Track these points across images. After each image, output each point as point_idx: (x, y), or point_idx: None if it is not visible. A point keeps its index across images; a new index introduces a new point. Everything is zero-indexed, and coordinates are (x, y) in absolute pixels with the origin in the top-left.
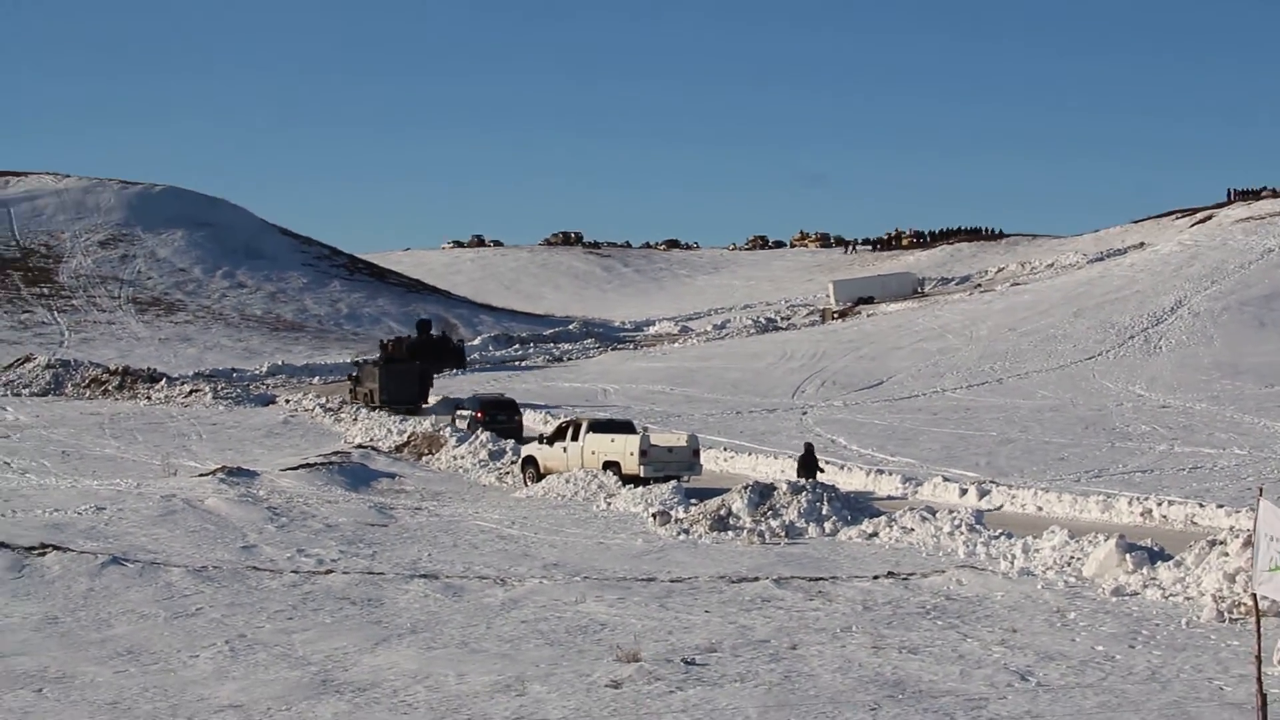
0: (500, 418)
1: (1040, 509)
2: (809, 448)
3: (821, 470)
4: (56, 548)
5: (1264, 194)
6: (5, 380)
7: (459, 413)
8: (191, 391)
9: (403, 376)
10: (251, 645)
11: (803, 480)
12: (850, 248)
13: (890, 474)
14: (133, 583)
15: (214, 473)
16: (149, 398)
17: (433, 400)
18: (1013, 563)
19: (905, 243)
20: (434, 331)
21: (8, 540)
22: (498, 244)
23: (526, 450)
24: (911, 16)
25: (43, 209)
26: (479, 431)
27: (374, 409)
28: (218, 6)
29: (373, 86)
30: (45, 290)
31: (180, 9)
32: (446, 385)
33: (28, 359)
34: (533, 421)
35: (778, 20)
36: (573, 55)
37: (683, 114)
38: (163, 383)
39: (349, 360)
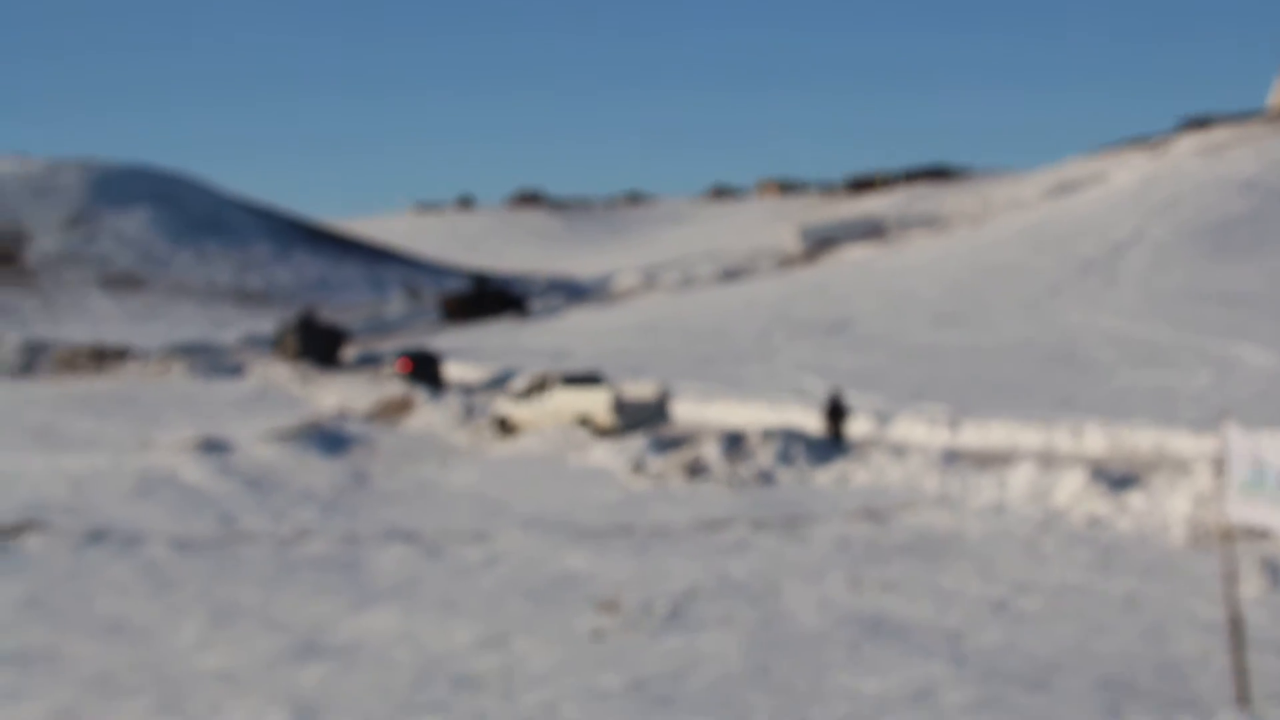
0: (425, 367)
1: (1010, 443)
2: (835, 393)
3: (846, 417)
4: (36, 526)
5: (1215, 122)
6: None
7: (380, 364)
8: (163, 366)
9: (314, 335)
10: (234, 614)
11: (828, 428)
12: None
13: (860, 414)
14: (113, 558)
15: (189, 445)
16: (121, 374)
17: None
18: (985, 497)
19: (865, 186)
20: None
21: None
22: (466, 203)
23: (499, 408)
24: None
25: (4, 191)
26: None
27: (291, 363)
28: None
29: (328, 51)
30: (12, 273)
31: None
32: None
33: None
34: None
35: None
36: (532, 12)
37: (639, 65)
38: (134, 358)
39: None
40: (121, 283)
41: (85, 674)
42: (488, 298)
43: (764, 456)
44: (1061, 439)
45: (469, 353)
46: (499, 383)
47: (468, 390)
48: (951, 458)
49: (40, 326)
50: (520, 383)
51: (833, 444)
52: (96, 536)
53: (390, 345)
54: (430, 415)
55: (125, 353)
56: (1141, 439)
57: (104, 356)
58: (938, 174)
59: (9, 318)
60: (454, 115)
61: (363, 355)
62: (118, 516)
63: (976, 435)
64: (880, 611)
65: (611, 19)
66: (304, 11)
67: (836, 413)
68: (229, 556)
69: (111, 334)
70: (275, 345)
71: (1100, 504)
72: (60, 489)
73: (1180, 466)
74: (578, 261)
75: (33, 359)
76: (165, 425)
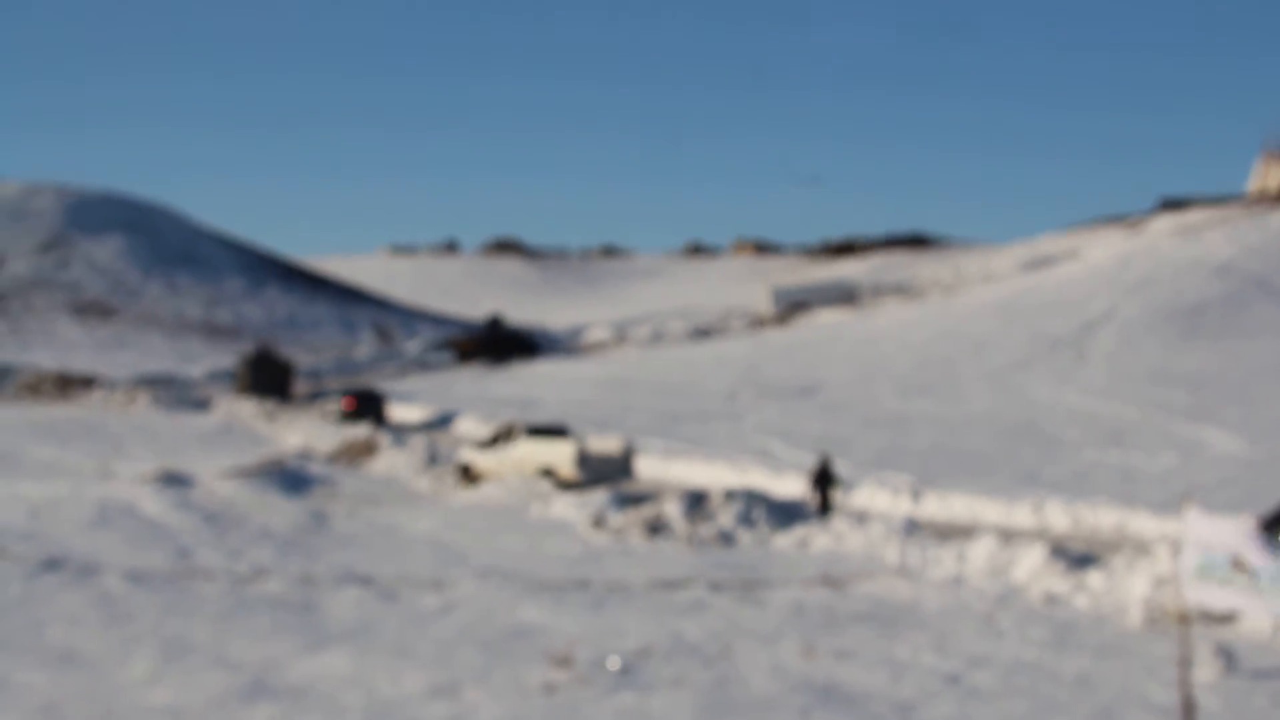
0: (368, 406)
1: (972, 515)
2: (824, 461)
3: (835, 485)
4: None
5: (1193, 204)
6: None
7: (327, 401)
8: (128, 396)
9: (263, 369)
10: (186, 650)
11: (813, 495)
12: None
13: (809, 479)
14: (67, 587)
15: (150, 477)
16: (86, 403)
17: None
18: (944, 569)
19: (833, 250)
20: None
21: None
22: (435, 250)
23: (463, 456)
24: (861, 13)
25: None
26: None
27: (244, 397)
28: (147, 7)
29: (310, 89)
30: None
31: (111, 11)
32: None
33: None
34: (479, 429)
35: (715, 19)
36: (531, 55)
37: (621, 115)
38: (99, 388)
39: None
40: (91, 311)
41: (32, 704)
42: (500, 340)
43: (725, 517)
44: (1023, 514)
45: (429, 396)
46: (439, 424)
47: (406, 429)
48: (912, 528)
49: (7, 351)
50: (484, 432)
51: (820, 512)
52: (52, 565)
53: (340, 384)
54: (393, 459)
55: (91, 381)
56: (1103, 518)
57: (70, 384)
58: (913, 242)
59: None
60: (433, 158)
61: (317, 392)
62: (75, 545)
63: (939, 506)
64: (833, 680)
65: (595, 69)
66: (289, 44)
67: (825, 479)
68: (184, 591)
69: (79, 362)
70: (234, 380)
71: (1059, 582)
72: (18, 515)
73: (1140, 548)
74: (550, 311)
75: None
76: (127, 456)
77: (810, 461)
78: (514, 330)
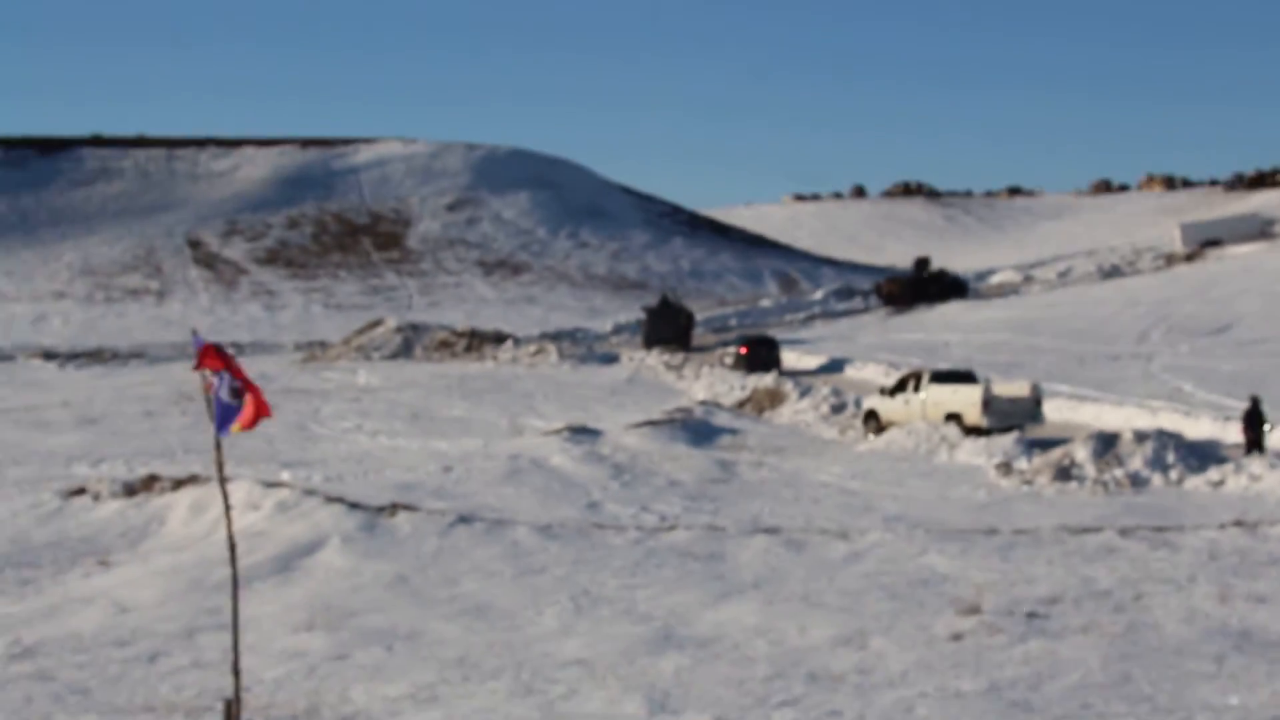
0: (762, 351)
1: None
2: (1255, 401)
3: (1270, 427)
4: (406, 507)
5: None
6: (357, 344)
7: (726, 349)
8: (537, 351)
9: (664, 319)
10: (595, 601)
11: (1245, 439)
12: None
13: (1238, 420)
14: (479, 541)
15: (559, 431)
16: (495, 359)
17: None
18: None
19: (1249, 182)
20: (924, 270)
21: (360, 501)
22: (838, 196)
23: (868, 403)
24: None
25: (391, 175)
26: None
27: (647, 347)
28: None
29: (712, 27)
30: (394, 255)
31: None
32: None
33: (378, 323)
34: (872, 374)
35: None
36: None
37: (1027, 64)
38: (509, 343)
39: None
40: (500, 267)
41: (447, 655)
42: (928, 282)
43: (1136, 460)
44: None
45: (832, 344)
46: (832, 368)
47: (800, 375)
48: None
49: (419, 309)
50: (885, 377)
51: (1252, 453)
52: (464, 519)
53: (739, 333)
54: (799, 408)
55: (501, 337)
56: None
57: (480, 340)
58: None
59: (390, 300)
60: (838, 105)
61: (721, 343)
62: (486, 500)
63: None
64: (1249, 625)
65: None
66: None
67: (1257, 420)
68: (593, 543)
69: (488, 318)
70: (639, 331)
71: None
72: (432, 471)
73: None
74: (956, 255)
75: (410, 342)
76: (537, 411)
77: (1230, 402)
78: (941, 272)
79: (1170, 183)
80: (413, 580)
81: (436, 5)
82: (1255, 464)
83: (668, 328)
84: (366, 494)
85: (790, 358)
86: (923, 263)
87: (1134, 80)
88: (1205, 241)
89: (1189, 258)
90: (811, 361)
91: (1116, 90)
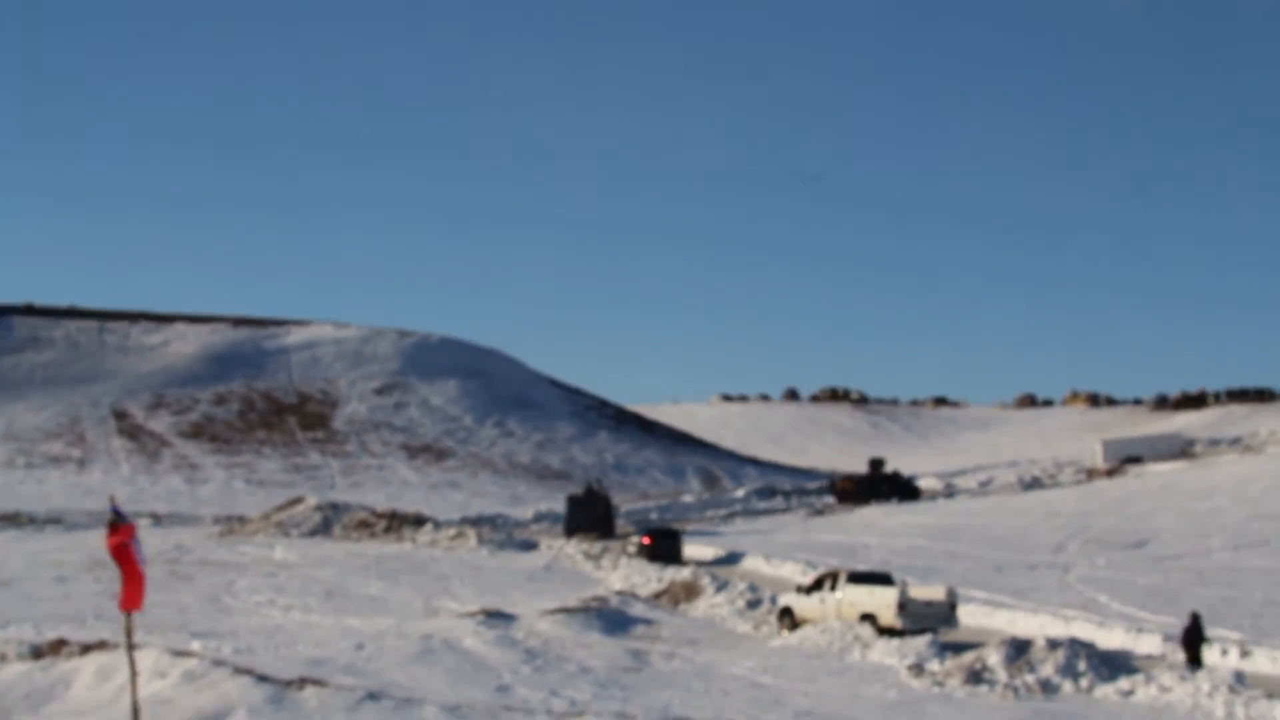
0: (664, 543)
1: None
2: (1195, 618)
3: (1207, 642)
4: (315, 682)
5: None
6: (276, 520)
7: (630, 539)
8: (456, 535)
9: (588, 508)
10: None
11: (1187, 655)
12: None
13: (1151, 633)
14: (388, 719)
15: (474, 614)
16: (414, 541)
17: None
18: None
19: (1175, 403)
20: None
21: (269, 674)
22: (765, 398)
23: (784, 600)
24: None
25: (321, 357)
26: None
27: (569, 534)
28: (479, 130)
29: (646, 224)
30: (319, 435)
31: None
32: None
33: (298, 500)
34: (789, 572)
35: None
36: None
37: (958, 276)
38: (428, 526)
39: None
40: (424, 452)
41: None
42: (881, 481)
43: (1048, 667)
44: None
45: (757, 545)
46: (730, 560)
47: (699, 564)
48: (1241, 682)
49: (341, 490)
50: (808, 577)
51: (1191, 668)
52: (373, 696)
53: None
54: (715, 601)
55: (420, 520)
56: None
57: (400, 522)
58: (1251, 395)
59: (313, 479)
60: (768, 308)
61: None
62: (397, 678)
63: (1270, 663)
64: None
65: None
66: (629, 176)
67: (1196, 637)
68: None
69: (409, 501)
70: (564, 519)
71: None
72: (344, 648)
73: None
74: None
75: (330, 520)
76: (453, 594)
77: (1144, 615)
78: (895, 473)
79: (1094, 400)
80: None
81: (373, 188)
82: (1165, 676)
83: (590, 516)
84: (276, 667)
85: (693, 550)
86: (877, 463)
87: (1062, 297)
88: (1126, 458)
89: (1110, 473)
90: (710, 552)
91: (1045, 305)
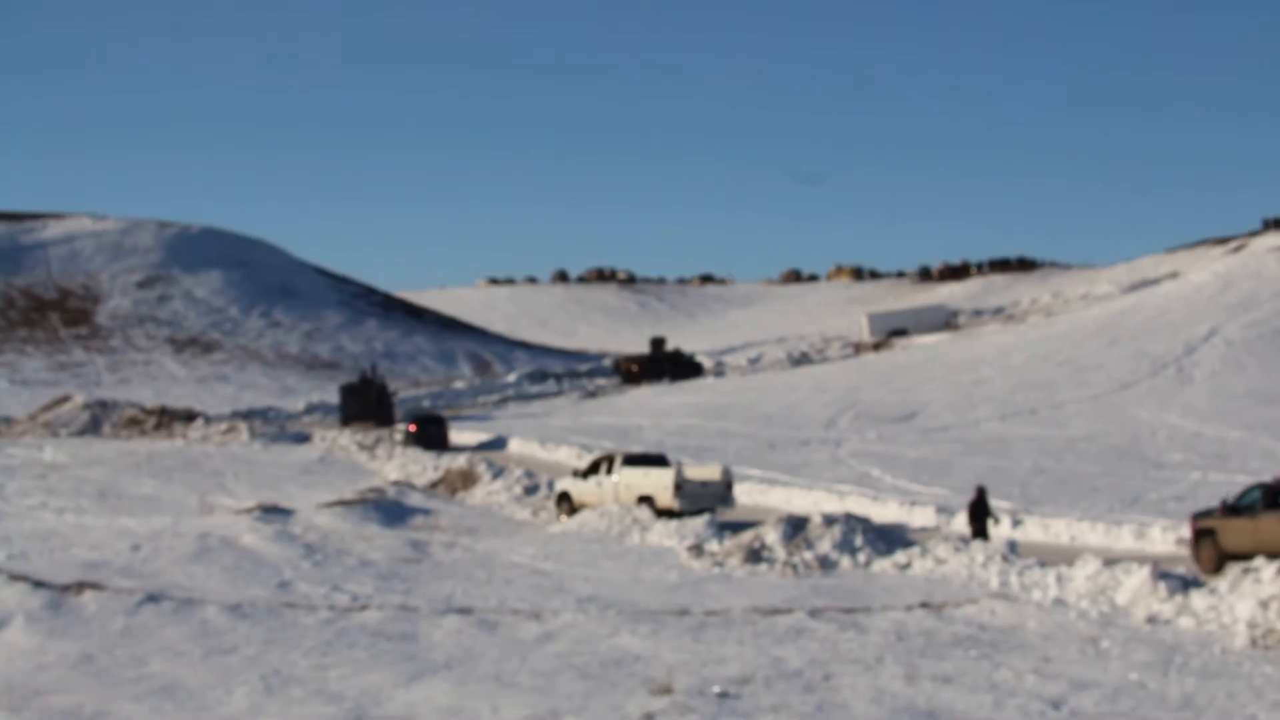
0: (430, 429)
1: (1074, 538)
2: (980, 491)
3: (994, 519)
4: (93, 586)
5: None
6: (43, 420)
7: (396, 427)
8: (228, 430)
9: (363, 397)
10: (286, 682)
11: (972, 529)
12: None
13: (924, 505)
14: (168, 621)
15: (250, 510)
16: (185, 437)
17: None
18: (1046, 592)
19: (938, 275)
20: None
21: (45, 579)
22: (532, 280)
23: (561, 485)
24: (948, 38)
25: (81, 250)
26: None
27: (345, 424)
28: (242, 31)
29: (408, 113)
30: (83, 331)
31: (206, 35)
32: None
33: (65, 399)
34: (565, 456)
35: (803, 39)
36: (611, 80)
37: (720, 142)
38: (199, 421)
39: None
40: (191, 345)
41: None
42: (664, 360)
43: (825, 543)
44: (1126, 537)
45: (530, 430)
46: (495, 445)
47: (463, 449)
48: (1014, 551)
49: (107, 387)
50: (584, 460)
51: (977, 542)
52: (153, 598)
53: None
54: (492, 489)
55: (191, 415)
56: None
57: (170, 418)
58: (1014, 265)
59: (78, 377)
60: (534, 188)
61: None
62: (175, 579)
63: (1040, 530)
64: (935, 704)
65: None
66: (388, 72)
67: (982, 511)
68: (284, 623)
69: (178, 396)
70: (340, 410)
71: (1162, 604)
72: (120, 550)
73: (1245, 568)
74: (648, 339)
75: (99, 419)
76: (228, 490)
77: (916, 487)
78: (677, 351)
79: (858, 273)
80: (99, 660)
81: (131, 86)
82: (940, 548)
83: (365, 405)
84: (52, 572)
85: (463, 435)
86: (658, 342)
87: (824, 168)
88: (892, 331)
89: (876, 347)
90: (474, 438)
91: (807, 178)
